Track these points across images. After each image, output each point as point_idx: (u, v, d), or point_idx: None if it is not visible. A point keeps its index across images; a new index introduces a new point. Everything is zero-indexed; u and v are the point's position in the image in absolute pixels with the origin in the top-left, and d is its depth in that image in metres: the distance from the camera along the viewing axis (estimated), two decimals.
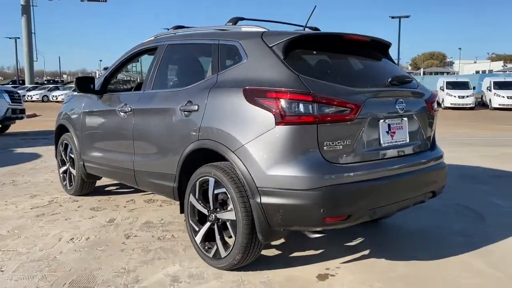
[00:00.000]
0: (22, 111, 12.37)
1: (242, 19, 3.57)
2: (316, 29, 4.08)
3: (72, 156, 5.05)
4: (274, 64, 2.89)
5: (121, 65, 4.55)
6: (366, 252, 3.51)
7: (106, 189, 5.60)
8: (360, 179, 2.79)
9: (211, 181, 3.08)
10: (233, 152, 2.90)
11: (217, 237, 3.11)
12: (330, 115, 2.71)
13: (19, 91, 12.77)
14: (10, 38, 57.92)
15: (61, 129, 5.26)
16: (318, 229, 2.86)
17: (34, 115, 20.33)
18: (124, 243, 3.66)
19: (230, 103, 2.98)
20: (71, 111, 5.00)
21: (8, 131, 12.52)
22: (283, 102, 2.69)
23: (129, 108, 3.97)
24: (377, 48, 3.55)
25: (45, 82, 63.05)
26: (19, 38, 54.24)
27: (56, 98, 37.26)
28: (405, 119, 3.18)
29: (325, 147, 2.71)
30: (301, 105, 2.67)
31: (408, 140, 3.21)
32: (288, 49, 2.95)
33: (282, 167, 2.70)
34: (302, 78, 2.78)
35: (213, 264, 3.14)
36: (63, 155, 5.30)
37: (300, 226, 2.78)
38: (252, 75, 2.97)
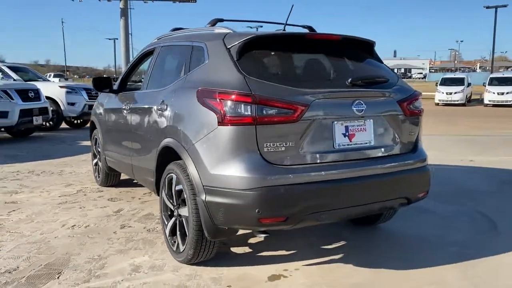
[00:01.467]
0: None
1: (222, 20, 3.64)
2: (310, 28, 4.04)
3: (99, 149, 5.49)
4: (227, 65, 2.94)
5: (133, 66, 4.85)
6: (338, 256, 3.42)
7: (134, 181, 5.99)
8: (302, 181, 2.75)
9: (174, 178, 3.23)
10: (186, 150, 3.02)
11: (177, 232, 3.25)
12: (270, 117, 2.71)
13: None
14: (109, 39, 63.41)
15: (93, 125, 5.73)
16: (259, 229, 2.87)
17: None
18: (115, 233, 3.94)
19: (186, 103, 3.10)
20: (98, 108, 5.43)
21: (87, 125, 13.73)
22: (224, 103, 2.75)
23: (128, 107, 4.26)
24: (356, 47, 3.43)
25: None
26: (117, 39, 59.09)
27: None
28: (369, 121, 3.05)
29: (265, 148, 2.71)
30: (240, 106, 2.70)
31: (373, 143, 3.07)
32: (244, 51, 2.97)
33: (223, 166, 2.75)
34: (248, 79, 2.80)
35: (175, 258, 3.28)
36: (94, 149, 5.78)
37: (241, 225, 2.82)
38: (209, 76, 3.05)
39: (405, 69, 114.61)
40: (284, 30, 3.57)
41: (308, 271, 3.16)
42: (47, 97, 11.63)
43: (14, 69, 13.38)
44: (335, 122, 2.91)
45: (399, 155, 3.21)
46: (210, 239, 2.99)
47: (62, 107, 12.29)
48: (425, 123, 3.74)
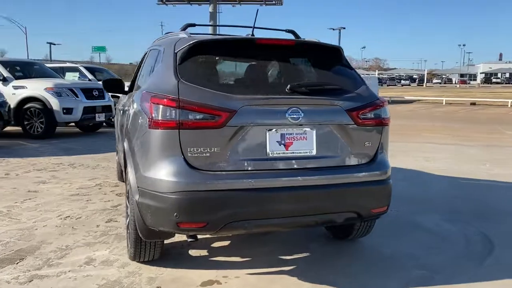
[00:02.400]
0: (107, 108, 13.87)
1: (193, 25, 3.69)
2: (293, 32, 3.95)
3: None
4: (169, 69, 2.99)
5: (138, 68, 5.08)
6: (289, 268, 3.32)
7: None
8: (225, 188, 2.72)
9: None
10: (130, 151, 3.13)
11: (126, 230, 3.37)
12: (194, 122, 2.71)
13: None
14: None
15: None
16: (181, 233, 2.89)
17: None
18: (98, 226, 4.17)
19: (134, 106, 3.20)
20: (117, 108, 5.77)
21: None
22: (154, 107, 2.80)
23: (120, 108, 4.49)
24: (316, 53, 3.30)
25: None
26: None
27: None
28: (311, 129, 2.92)
29: (189, 153, 2.73)
30: (166, 110, 2.74)
31: (315, 153, 2.94)
32: (187, 55, 3.00)
33: (151, 169, 2.81)
34: (181, 84, 2.82)
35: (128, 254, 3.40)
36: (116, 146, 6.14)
37: (164, 228, 2.85)
38: (155, 80, 3.13)
39: (510, 74, 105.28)
40: (252, 34, 3.55)
41: (248, 280, 3.11)
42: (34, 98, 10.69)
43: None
44: (269, 129, 2.83)
45: (349, 166, 3.04)
46: (144, 239, 3.06)
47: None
48: None
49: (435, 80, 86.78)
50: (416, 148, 9.48)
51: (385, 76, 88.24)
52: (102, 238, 3.83)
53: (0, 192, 5.32)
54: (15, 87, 10.24)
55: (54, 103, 10.10)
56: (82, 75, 13.74)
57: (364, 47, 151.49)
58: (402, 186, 6.01)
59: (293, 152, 2.89)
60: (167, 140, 2.74)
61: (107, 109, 11.44)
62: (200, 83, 2.85)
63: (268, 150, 2.84)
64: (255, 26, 4.00)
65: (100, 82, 12.70)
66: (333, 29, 46.03)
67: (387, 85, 74.76)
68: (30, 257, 3.41)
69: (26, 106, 10.15)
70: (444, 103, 29.10)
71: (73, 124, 11.17)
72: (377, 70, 76.43)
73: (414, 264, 3.43)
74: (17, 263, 3.29)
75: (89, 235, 3.92)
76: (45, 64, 13.55)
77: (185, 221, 2.71)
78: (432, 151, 9.06)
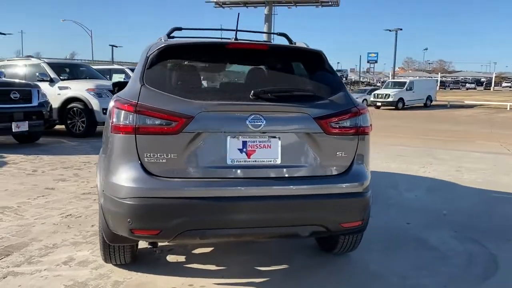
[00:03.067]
0: None
1: (180, 29, 3.65)
2: (285, 35, 3.83)
3: None
4: (138, 74, 2.97)
5: None
6: (260, 280, 3.20)
7: None
8: (180, 195, 2.65)
9: None
10: (100, 155, 3.15)
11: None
12: (151, 127, 2.67)
13: None
14: None
15: None
16: (137, 239, 2.85)
17: None
18: (92, 226, 4.25)
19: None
20: None
21: None
22: (116, 111, 2.79)
23: None
24: (294, 57, 3.16)
25: None
26: None
27: None
28: (276, 137, 2.78)
29: (146, 159, 2.69)
30: (124, 115, 2.72)
31: (279, 162, 2.80)
32: (157, 59, 2.97)
33: (112, 174, 2.80)
34: (144, 88, 2.80)
35: None
36: None
37: (121, 233, 2.82)
38: (128, 85, 3.12)
39: None
40: (236, 38, 3.45)
41: None
42: (77, 98, 11.06)
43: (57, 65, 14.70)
44: (229, 136, 2.73)
45: (317, 177, 2.87)
46: (109, 243, 3.05)
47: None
48: None
49: (504, 84, 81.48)
50: (458, 157, 8.92)
51: (448, 79, 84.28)
52: (90, 239, 3.90)
53: (19, 188, 5.59)
54: (60, 88, 10.78)
55: (95, 103, 10.51)
56: (127, 76, 14.22)
57: (426, 49, 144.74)
58: (425, 198, 5.67)
59: (255, 161, 2.77)
60: (125, 145, 2.72)
61: None
62: (163, 88, 2.80)
63: (228, 158, 2.74)
64: (255, 31, 3.92)
65: None
66: (390, 30, 44.62)
67: (450, 89, 71.38)
68: (16, 254, 3.52)
69: (69, 106, 10.66)
70: (508, 109, 27.26)
71: None
72: (439, 73, 73.19)
73: (398, 285, 3.18)
74: (1, 259, 3.41)
75: (80, 234, 4.01)
76: (93, 66, 14.15)
77: (138, 227, 2.67)
78: (474, 161, 8.48)
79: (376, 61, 73.71)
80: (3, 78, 9.75)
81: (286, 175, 2.82)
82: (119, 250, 3.15)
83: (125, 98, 2.79)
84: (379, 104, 29.41)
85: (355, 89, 38.52)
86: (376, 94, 29.84)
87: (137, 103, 2.70)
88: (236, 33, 3.43)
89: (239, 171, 2.75)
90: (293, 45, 3.25)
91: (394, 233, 4.24)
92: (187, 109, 2.68)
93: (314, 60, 3.18)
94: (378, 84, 59.12)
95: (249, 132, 2.73)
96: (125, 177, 2.70)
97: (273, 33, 3.85)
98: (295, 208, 2.78)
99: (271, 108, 2.78)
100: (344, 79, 69.15)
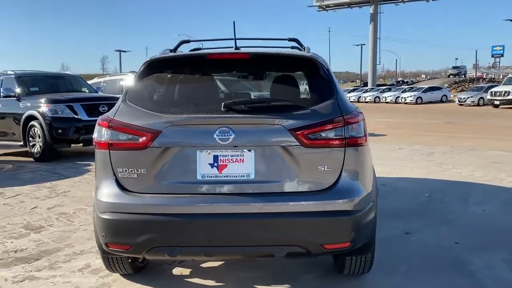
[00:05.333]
0: None
1: (188, 41, 3.65)
2: (296, 40, 3.64)
3: None
4: (126, 89, 3.04)
5: None
6: None
7: None
8: (149, 211, 2.64)
9: None
10: None
11: None
12: (121, 142, 2.71)
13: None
14: (357, 45, 67.30)
15: None
16: (114, 254, 2.88)
17: None
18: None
19: None
20: None
21: None
22: (97, 128, 2.88)
23: None
24: (281, 64, 2.97)
25: (395, 83, 66.59)
26: (364, 44, 61.47)
27: (385, 99, 39.10)
28: (249, 151, 2.63)
29: (119, 174, 2.73)
30: (101, 131, 2.79)
31: (253, 177, 2.63)
32: (141, 74, 3.00)
33: (95, 189, 2.89)
34: (124, 104, 2.86)
35: None
36: None
37: (102, 247, 2.87)
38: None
39: None
40: (236, 46, 3.36)
41: None
42: None
43: None
44: (200, 151, 2.65)
45: (295, 193, 2.65)
46: (102, 254, 3.13)
47: None
48: None
49: None
50: None
51: None
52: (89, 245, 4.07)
53: (86, 195, 6.06)
54: None
55: None
56: None
57: None
58: (495, 214, 4.96)
59: (227, 176, 2.65)
60: (103, 161, 2.79)
61: None
62: (140, 103, 2.82)
63: (199, 173, 2.65)
64: (260, 37, 3.79)
65: None
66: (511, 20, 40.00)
67: None
68: (45, 258, 3.82)
69: None
70: None
71: None
72: None
73: None
74: (30, 263, 3.72)
75: (76, 238, 4.22)
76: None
77: (111, 242, 2.72)
78: None
79: (502, 55, 67.05)
80: (99, 93, 10.74)
81: (261, 191, 2.64)
82: (117, 260, 3.23)
83: (107, 115, 2.86)
84: (497, 102, 26.66)
85: (469, 87, 35.32)
86: (493, 92, 27.10)
87: (112, 119, 2.76)
88: (235, 41, 3.34)
89: (210, 186, 2.65)
90: (279, 51, 3.06)
91: (433, 254, 3.75)
92: (155, 123, 2.66)
93: (303, 67, 2.98)
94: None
95: (218, 146, 2.62)
96: (102, 192, 2.77)
97: (283, 39, 3.66)
98: (270, 227, 2.60)
99: (241, 120, 2.63)
100: (463, 76, 63.87)
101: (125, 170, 2.71)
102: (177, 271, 3.52)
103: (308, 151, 2.62)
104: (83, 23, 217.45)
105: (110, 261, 3.23)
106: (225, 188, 2.65)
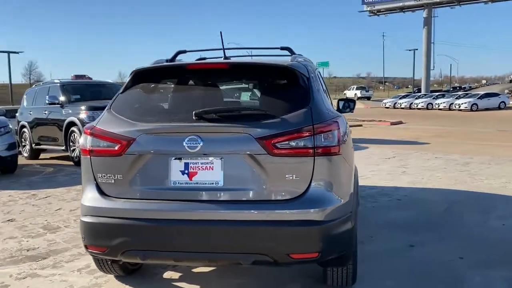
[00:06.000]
0: None
1: (184, 52, 3.76)
2: (288, 49, 3.67)
3: None
4: (113, 99, 3.19)
5: None
6: None
7: None
8: (123, 216, 2.75)
9: None
10: None
11: None
12: (100, 149, 2.85)
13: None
14: (409, 50, 65.49)
15: None
16: (95, 256, 2.99)
17: (400, 122, 22.37)
18: None
19: None
20: None
21: None
22: (83, 136, 3.04)
23: None
24: (257, 73, 3.01)
25: (451, 89, 64.11)
26: (417, 49, 59.61)
27: (438, 106, 37.69)
28: (218, 159, 2.67)
29: (99, 179, 2.87)
30: (85, 138, 2.95)
31: (222, 184, 2.68)
32: (128, 84, 3.13)
33: (82, 192, 3.05)
34: (107, 112, 3.00)
35: None
36: None
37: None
38: None
39: None
40: (224, 56, 3.44)
41: None
42: None
43: None
44: (172, 158, 2.73)
45: (263, 201, 2.66)
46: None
47: None
48: None
49: None
50: None
51: None
52: None
53: None
54: None
55: None
56: None
57: None
58: (509, 228, 4.68)
59: (197, 183, 2.71)
60: (86, 166, 2.94)
61: None
62: (122, 111, 2.95)
63: (170, 180, 2.74)
64: (254, 47, 3.83)
65: None
66: None
67: None
68: (51, 257, 4.04)
69: None
70: None
71: None
72: None
73: None
74: (37, 261, 3.96)
75: (76, 243, 4.38)
76: None
77: (89, 244, 2.85)
78: None
79: None
80: None
81: (229, 199, 2.68)
82: (106, 262, 3.37)
83: (91, 123, 3.02)
84: None
85: None
86: None
87: (94, 127, 2.91)
88: (224, 51, 3.42)
89: (181, 193, 2.73)
90: (257, 61, 3.09)
91: (429, 268, 3.61)
92: (130, 131, 2.78)
93: (280, 77, 2.99)
94: None
95: (187, 153, 2.69)
96: (85, 196, 2.92)
97: (275, 48, 3.68)
98: (236, 234, 2.63)
99: (210, 129, 2.69)
100: None
101: (104, 176, 2.84)
102: (167, 274, 3.62)
103: (276, 160, 2.63)
104: (140, 31, 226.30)
105: (100, 262, 3.37)
106: (195, 195, 2.71)
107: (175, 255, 2.74)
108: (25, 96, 12.19)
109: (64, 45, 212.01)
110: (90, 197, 2.88)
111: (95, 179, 2.88)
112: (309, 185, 2.67)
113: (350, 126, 15.15)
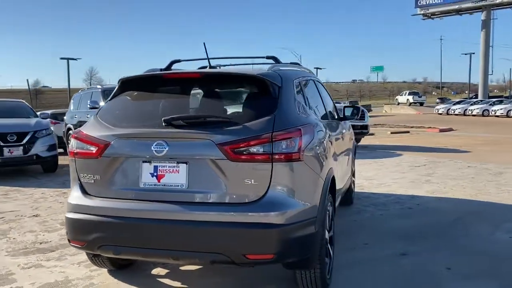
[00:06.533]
0: (364, 127, 14.06)
1: (179, 61, 3.98)
2: (274, 58, 3.83)
3: None
4: (102, 106, 3.47)
5: None
6: None
7: None
8: (98, 213, 2.99)
9: None
10: None
11: None
12: (83, 151, 3.12)
13: (363, 109, 14.50)
14: (465, 54, 63.28)
15: None
16: (80, 250, 3.24)
17: (450, 129, 21.74)
18: None
19: None
20: None
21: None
22: (70, 140, 3.33)
23: None
24: (229, 82, 3.20)
25: (511, 95, 60.84)
26: (474, 53, 57.19)
27: (495, 113, 35.95)
28: (183, 163, 2.86)
29: (82, 179, 3.14)
30: (72, 141, 3.23)
31: (186, 187, 2.86)
32: (115, 92, 3.41)
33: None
34: (93, 118, 3.28)
35: None
36: None
37: None
38: None
39: None
40: (209, 65, 3.63)
41: None
42: None
43: None
44: (143, 161, 2.94)
45: (223, 204, 2.81)
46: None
47: None
48: None
49: None
50: None
51: None
52: None
53: None
54: None
55: None
56: None
57: None
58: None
59: (164, 185, 2.91)
60: (72, 167, 3.22)
61: (364, 128, 13.23)
62: (104, 117, 3.21)
63: (141, 181, 2.95)
64: (241, 56, 4.01)
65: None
66: None
67: None
68: (59, 250, 4.38)
69: None
70: None
71: None
72: None
73: None
74: (45, 253, 4.31)
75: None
76: None
77: (71, 238, 3.12)
78: None
79: None
80: None
81: (192, 201, 2.86)
82: (96, 256, 3.63)
83: (80, 128, 3.30)
84: None
85: None
86: None
87: (79, 131, 3.18)
88: (208, 61, 3.61)
89: (149, 194, 2.93)
90: (228, 70, 3.25)
91: (413, 278, 3.60)
92: (107, 136, 3.02)
93: (249, 85, 3.14)
94: None
95: (155, 157, 2.89)
96: (71, 194, 3.20)
97: (261, 57, 3.82)
98: (195, 234, 2.80)
99: (176, 134, 2.89)
100: None
101: (86, 176, 3.11)
102: (155, 271, 3.84)
103: (235, 165, 2.78)
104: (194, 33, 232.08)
105: (93, 257, 3.65)
106: (162, 196, 2.91)
107: (143, 251, 2.94)
108: (72, 101, 13.01)
109: (122, 51, 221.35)
110: (75, 195, 3.15)
111: (79, 179, 3.15)
112: (267, 189, 2.79)
113: (397, 132, 15.16)
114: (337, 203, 4.08)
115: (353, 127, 13.87)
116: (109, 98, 3.42)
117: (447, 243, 4.45)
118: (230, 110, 3.05)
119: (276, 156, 2.78)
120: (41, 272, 3.85)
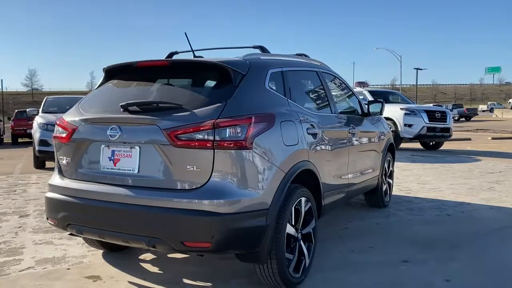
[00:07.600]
0: (445, 130, 13.05)
1: (177, 53, 4.05)
2: (261, 47, 3.77)
3: None
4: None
5: None
6: None
7: None
8: (64, 193, 3.16)
9: None
10: None
11: None
12: (58, 135, 3.32)
13: (446, 110, 13.44)
14: None
15: None
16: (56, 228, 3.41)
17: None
18: None
19: None
20: None
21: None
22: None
23: None
24: (193, 70, 3.20)
25: None
26: None
27: None
28: (136, 148, 2.90)
29: (59, 161, 3.34)
30: (55, 127, 3.45)
31: (136, 171, 2.90)
32: (102, 81, 3.57)
33: None
34: (75, 106, 3.46)
35: None
36: None
37: None
38: None
39: None
40: (194, 56, 3.66)
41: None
42: (387, 118, 12.56)
43: (376, 93, 14.94)
44: (103, 145, 3.05)
45: (166, 189, 2.81)
46: None
47: (399, 128, 12.83)
48: None
49: None
50: None
51: None
52: None
53: None
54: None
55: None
56: (365, 99, 14.43)
57: None
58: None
59: (119, 169, 2.99)
60: (55, 150, 3.44)
61: (445, 130, 12.98)
62: (82, 105, 3.39)
63: (100, 164, 3.06)
64: (227, 46, 3.97)
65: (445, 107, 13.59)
66: None
67: None
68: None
69: None
70: None
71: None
72: None
73: None
74: (61, 233, 4.63)
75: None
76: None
77: (47, 216, 3.33)
78: None
79: None
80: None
81: (140, 185, 2.90)
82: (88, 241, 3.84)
83: (63, 115, 3.52)
84: None
85: None
86: None
87: (61, 118, 3.39)
88: (193, 52, 3.65)
89: (106, 177, 3.04)
90: (192, 59, 3.23)
91: (403, 286, 3.26)
92: (75, 121, 3.19)
93: (212, 73, 3.11)
94: None
95: (110, 142, 2.98)
96: (52, 175, 3.42)
97: (248, 47, 3.73)
98: (139, 218, 2.83)
99: (127, 119, 2.95)
100: None
101: (61, 159, 3.30)
102: (143, 256, 3.94)
103: (178, 151, 2.76)
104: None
105: (87, 240, 3.86)
106: (116, 180, 2.99)
107: (100, 232, 3.04)
108: None
109: None
110: (53, 177, 3.37)
111: (58, 162, 3.36)
112: (210, 177, 2.72)
113: (499, 138, 14.39)
114: (329, 200, 3.83)
115: (431, 129, 13.19)
116: (95, 88, 3.60)
117: (467, 254, 3.95)
118: (189, 97, 3.03)
119: (219, 144, 2.70)
120: (48, 248, 4.16)
